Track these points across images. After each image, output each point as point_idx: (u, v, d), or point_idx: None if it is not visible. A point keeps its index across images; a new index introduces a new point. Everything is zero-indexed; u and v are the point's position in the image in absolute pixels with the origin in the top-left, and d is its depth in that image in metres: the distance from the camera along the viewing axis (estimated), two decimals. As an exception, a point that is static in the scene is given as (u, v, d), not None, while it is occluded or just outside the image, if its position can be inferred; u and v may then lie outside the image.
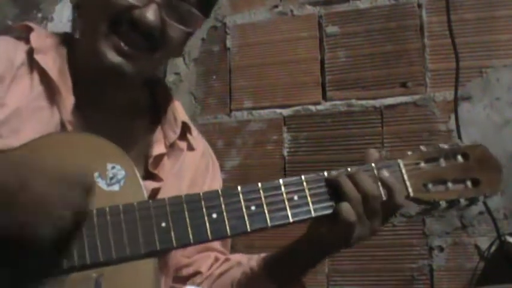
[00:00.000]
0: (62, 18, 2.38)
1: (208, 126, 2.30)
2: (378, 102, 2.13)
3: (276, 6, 2.31)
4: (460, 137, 1.98)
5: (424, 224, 2.03)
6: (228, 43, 2.36)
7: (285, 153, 2.22)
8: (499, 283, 1.70)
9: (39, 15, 2.50)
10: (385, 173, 1.05)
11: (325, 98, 2.20)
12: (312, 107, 2.21)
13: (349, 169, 1.05)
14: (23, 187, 0.82)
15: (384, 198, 1.04)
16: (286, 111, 2.24)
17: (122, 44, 1.06)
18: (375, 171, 1.05)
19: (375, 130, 2.12)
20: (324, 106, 2.20)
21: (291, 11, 2.28)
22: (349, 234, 1.03)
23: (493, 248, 1.93)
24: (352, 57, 2.18)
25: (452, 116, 2.02)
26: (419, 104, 2.08)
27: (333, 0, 2.22)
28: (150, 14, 1.05)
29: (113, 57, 1.06)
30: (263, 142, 2.26)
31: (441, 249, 2.00)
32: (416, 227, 2.04)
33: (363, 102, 2.15)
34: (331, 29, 2.22)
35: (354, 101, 2.16)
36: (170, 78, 2.41)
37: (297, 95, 2.24)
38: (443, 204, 1.08)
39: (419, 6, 2.11)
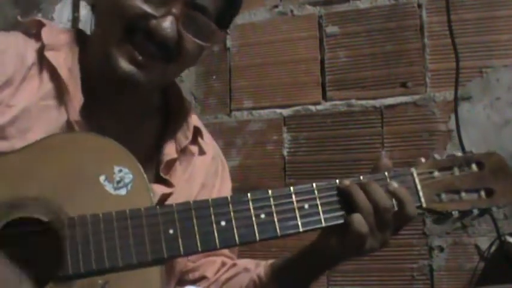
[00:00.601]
0: (62, 18, 2.37)
1: (208, 126, 2.26)
2: (378, 102, 2.13)
3: (276, 6, 2.31)
4: (460, 137, 1.98)
5: (424, 224, 2.03)
6: (228, 43, 2.35)
7: (285, 153, 2.22)
8: (499, 283, 1.70)
9: (39, 15, 2.49)
10: (395, 184, 1.02)
11: (325, 98, 2.20)
12: (312, 107, 2.21)
13: (361, 177, 1.03)
14: None
15: (396, 209, 1.01)
16: (286, 111, 2.24)
17: (136, 54, 1.03)
18: (388, 181, 1.03)
19: (375, 130, 2.12)
20: (324, 106, 2.20)
21: (291, 11, 2.28)
22: (360, 246, 1.00)
23: (493, 248, 1.94)
24: (352, 57, 2.18)
25: (452, 116, 2.03)
26: (419, 104, 2.08)
27: (333, 0, 2.22)
28: (167, 26, 1.01)
29: (126, 65, 1.03)
30: (263, 142, 2.26)
31: (441, 249, 2.00)
32: (416, 227, 2.04)
33: (363, 102, 2.15)
34: (331, 29, 2.22)
35: (354, 101, 2.16)
36: (170, 78, 2.41)
37: (297, 95, 2.24)
38: (455, 214, 1.06)
39: (419, 6, 2.11)
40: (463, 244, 1.99)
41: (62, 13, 2.36)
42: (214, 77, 2.37)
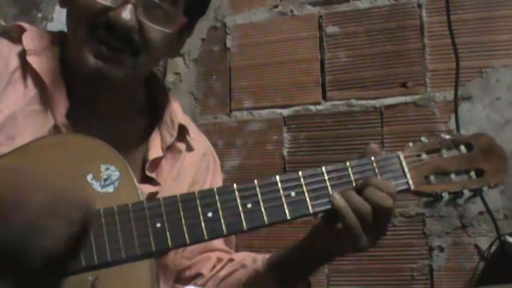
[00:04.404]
0: (62, 18, 2.36)
1: (208, 126, 2.30)
2: (378, 102, 2.13)
3: (276, 6, 2.31)
4: (460, 137, 1.98)
5: (424, 224, 2.02)
6: (228, 43, 2.36)
7: (285, 153, 2.22)
8: (499, 283, 1.69)
9: (39, 15, 2.50)
10: (368, 191, 0.99)
11: (325, 98, 2.20)
12: (312, 107, 2.21)
13: (347, 163, 1.03)
14: (20, 205, 0.80)
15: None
16: (286, 111, 2.24)
17: (102, 48, 1.04)
18: (374, 164, 1.03)
19: (374, 130, 2.12)
20: (324, 106, 2.20)
21: (291, 11, 2.28)
22: (349, 234, 1.00)
23: (493, 248, 1.93)
24: (352, 57, 2.18)
25: (452, 116, 2.02)
26: (419, 104, 2.08)
27: (333, 0, 2.22)
28: (125, 15, 1.02)
29: (94, 62, 1.04)
30: (263, 142, 2.26)
31: (441, 249, 1.99)
32: (416, 227, 2.04)
33: (363, 102, 2.15)
34: (331, 29, 2.22)
35: (354, 101, 2.16)
36: (170, 78, 2.41)
37: (297, 95, 2.24)
38: (446, 196, 1.05)
39: (419, 6, 2.11)
40: (463, 244, 1.98)
41: (62, 13, 2.35)
42: (214, 77, 2.37)
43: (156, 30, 1.07)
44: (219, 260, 1.30)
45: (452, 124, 2.02)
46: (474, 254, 1.97)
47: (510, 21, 2.01)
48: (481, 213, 1.95)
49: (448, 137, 1.09)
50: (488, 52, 2.03)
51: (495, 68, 2.01)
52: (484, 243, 1.95)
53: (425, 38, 2.09)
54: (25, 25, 1.15)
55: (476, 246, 1.97)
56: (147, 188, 1.14)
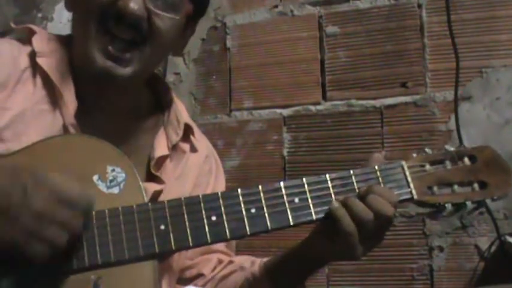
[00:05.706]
0: (62, 18, 2.38)
1: (208, 126, 2.30)
2: (378, 102, 2.13)
3: (276, 6, 2.31)
4: (460, 137, 1.98)
5: (424, 224, 2.03)
6: (228, 43, 2.36)
7: (285, 153, 2.22)
8: (499, 283, 1.69)
9: (39, 15, 2.51)
10: (370, 196, 1.01)
11: (325, 98, 2.20)
12: (312, 107, 2.21)
13: (351, 171, 1.04)
14: (24, 203, 0.82)
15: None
16: (286, 111, 2.24)
17: (111, 48, 1.05)
18: (378, 173, 1.05)
19: (374, 130, 2.12)
20: (324, 106, 2.20)
21: (291, 11, 2.28)
22: (348, 243, 1.01)
23: (493, 248, 1.93)
24: (352, 57, 2.18)
25: (452, 116, 2.02)
26: (419, 104, 2.08)
27: (333, 0, 2.22)
28: (133, 4, 1.04)
29: (103, 61, 1.06)
30: (263, 142, 2.26)
31: (441, 249, 1.99)
32: (416, 227, 2.04)
33: (363, 102, 2.15)
34: (331, 29, 2.22)
35: (354, 101, 2.16)
36: (170, 78, 2.41)
37: (297, 95, 2.24)
38: (449, 207, 1.06)
39: (419, 6, 2.11)
40: (463, 244, 1.98)
41: (62, 13, 2.37)
42: (214, 77, 2.37)
43: (164, 18, 1.09)
44: (220, 261, 1.31)
45: (452, 124, 2.02)
46: (474, 254, 1.97)
47: (510, 21, 2.01)
48: (481, 213, 1.95)
49: (452, 148, 1.11)
50: (488, 52, 2.03)
51: (495, 68, 2.01)
52: (484, 243, 1.96)
53: (425, 38, 2.10)
54: (34, 28, 1.17)
55: (476, 246, 1.97)
56: (152, 186, 1.15)
